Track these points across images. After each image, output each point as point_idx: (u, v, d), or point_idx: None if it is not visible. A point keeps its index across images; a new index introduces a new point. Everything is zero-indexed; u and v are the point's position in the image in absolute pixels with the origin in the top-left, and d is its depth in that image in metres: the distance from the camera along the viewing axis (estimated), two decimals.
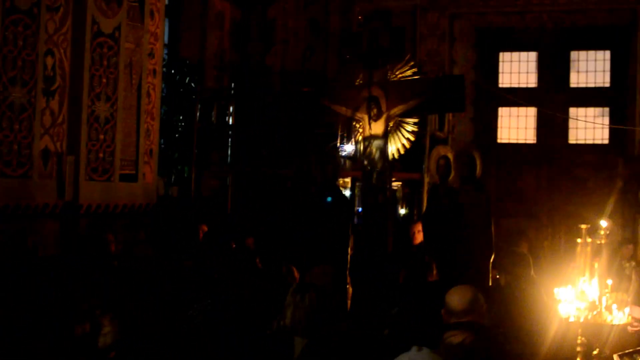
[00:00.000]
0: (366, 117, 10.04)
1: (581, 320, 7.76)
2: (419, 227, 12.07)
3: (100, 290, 8.17)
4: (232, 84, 19.27)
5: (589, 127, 21.24)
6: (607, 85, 21.29)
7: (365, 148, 10.12)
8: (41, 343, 6.44)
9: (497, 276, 10.60)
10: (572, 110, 21.39)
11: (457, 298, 5.81)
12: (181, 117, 17.72)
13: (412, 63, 10.20)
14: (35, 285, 8.61)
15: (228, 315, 7.57)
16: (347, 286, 10.50)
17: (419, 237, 11.94)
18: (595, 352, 7.50)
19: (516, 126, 21.93)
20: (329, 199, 11.05)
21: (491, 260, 11.34)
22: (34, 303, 7.63)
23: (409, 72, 10.07)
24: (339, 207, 11.13)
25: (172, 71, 17.62)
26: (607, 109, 21.28)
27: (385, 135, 9.99)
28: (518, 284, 8.70)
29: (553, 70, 21.56)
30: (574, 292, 8.14)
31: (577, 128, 21.39)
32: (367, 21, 10.53)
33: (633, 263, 12.75)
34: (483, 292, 6.23)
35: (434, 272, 9.74)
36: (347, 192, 15.96)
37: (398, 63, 10.11)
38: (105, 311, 5.30)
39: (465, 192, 11.94)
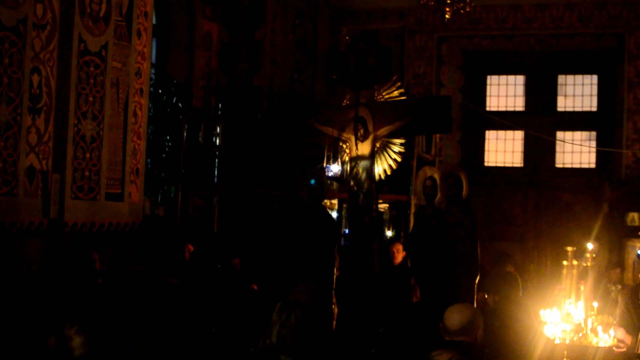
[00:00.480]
0: (353, 138, 10.02)
1: (567, 342, 7.75)
2: (398, 247, 12.09)
3: (79, 306, 8.14)
4: (220, 105, 19.25)
5: (575, 150, 21.30)
6: (594, 109, 21.37)
7: (351, 169, 10.10)
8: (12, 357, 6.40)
9: (486, 296, 10.58)
10: (559, 134, 21.46)
11: (454, 317, 5.79)
12: (168, 137, 17.68)
13: (399, 84, 10.20)
14: (17, 300, 8.58)
15: (213, 333, 7.55)
16: (333, 306, 10.48)
17: (399, 257, 11.95)
18: None
19: (503, 149, 21.97)
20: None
21: (476, 281, 11.33)
22: (11, 317, 7.60)
23: (395, 93, 10.06)
24: (325, 227, 11.12)
25: (160, 91, 17.58)
26: (594, 133, 21.36)
27: (372, 156, 9.97)
28: (506, 304, 8.68)
29: (540, 93, 21.62)
30: (559, 314, 8.13)
31: (564, 152, 21.45)
32: (355, 41, 10.53)
33: (619, 286, 12.77)
34: None
35: (417, 293, 9.74)
36: (334, 214, 15.95)
37: (385, 84, 10.11)
38: (73, 324, 5.24)
39: (452, 213, 11.95)
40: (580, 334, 7.97)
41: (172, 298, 9.30)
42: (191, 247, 13.41)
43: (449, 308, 5.90)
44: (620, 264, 16.04)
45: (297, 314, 5.60)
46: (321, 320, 5.87)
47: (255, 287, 11.24)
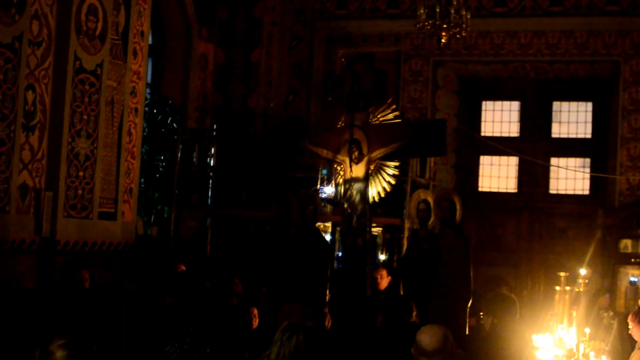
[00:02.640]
0: (347, 160, 10.00)
1: None
2: (382, 273, 12.03)
3: (65, 322, 8.10)
4: (214, 126, 19.25)
5: (569, 177, 21.33)
6: (589, 136, 21.40)
7: (345, 191, 10.07)
8: None
9: (481, 317, 10.54)
10: (554, 160, 21.47)
11: (428, 337, 5.75)
12: (162, 157, 17.66)
13: (394, 106, 10.17)
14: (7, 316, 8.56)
15: (206, 354, 7.50)
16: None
17: (383, 283, 11.89)
18: None
19: (497, 175, 21.97)
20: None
21: (469, 304, 11.31)
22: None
23: (390, 116, 10.04)
24: (319, 250, 11.10)
25: (154, 110, 17.58)
26: (588, 160, 21.38)
27: (366, 178, 9.94)
28: (503, 327, 8.63)
29: (535, 120, 21.65)
30: (552, 339, 8.11)
31: (558, 178, 21.47)
32: (350, 64, 10.52)
33: (611, 313, 12.74)
34: (460, 335, 6.18)
35: (414, 313, 9.67)
36: (327, 237, 15.92)
37: (380, 106, 10.09)
38: (57, 337, 5.20)
39: (445, 236, 11.96)
40: None
41: (167, 317, 9.28)
42: (183, 267, 13.35)
43: (420, 330, 5.87)
44: (610, 290, 16.04)
45: (299, 337, 5.57)
46: (322, 346, 5.81)
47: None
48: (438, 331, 5.81)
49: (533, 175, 21.42)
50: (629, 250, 17.91)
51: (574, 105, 21.66)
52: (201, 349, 7.46)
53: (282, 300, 10.31)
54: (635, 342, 9.36)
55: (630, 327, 9.62)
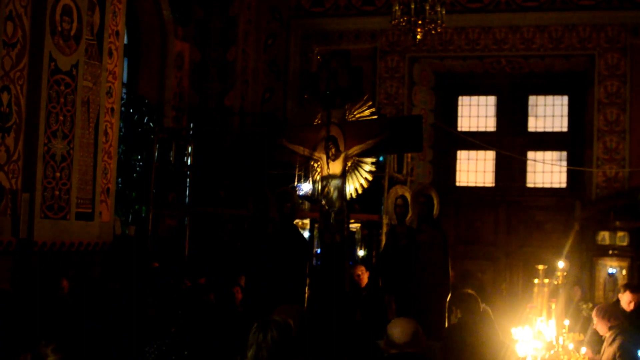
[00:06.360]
0: (324, 157, 9.99)
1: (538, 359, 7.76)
2: (361, 269, 12.08)
3: (48, 325, 8.09)
4: (191, 124, 19.24)
5: (546, 170, 21.39)
6: (565, 129, 21.46)
7: (323, 188, 10.06)
8: None
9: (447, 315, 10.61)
10: (530, 154, 21.54)
11: (401, 330, 5.80)
12: (139, 157, 17.63)
13: (370, 103, 10.17)
14: None
15: (185, 355, 7.49)
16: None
17: (364, 279, 11.95)
18: None
19: (475, 169, 22.02)
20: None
21: (447, 299, 11.34)
22: None
23: (367, 112, 10.04)
24: (297, 247, 11.10)
25: (131, 110, 17.55)
26: (564, 153, 21.44)
27: (343, 175, 9.93)
28: (469, 319, 8.66)
29: (511, 114, 21.71)
30: (531, 332, 8.15)
31: (535, 172, 21.53)
32: (326, 61, 10.52)
33: (590, 304, 12.83)
34: (439, 329, 6.20)
35: (393, 308, 9.73)
36: (305, 233, 15.93)
37: (356, 103, 10.09)
38: (49, 341, 5.20)
39: (423, 231, 11.98)
40: (552, 352, 7.99)
41: (148, 317, 9.27)
42: (156, 265, 13.38)
43: (391, 323, 5.91)
44: (581, 282, 16.14)
45: (274, 334, 5.57)
46: (298, 340, 5.83)
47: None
48: (409, 324, 5.86)
49: (510, 169, 21.48)
50: (607, 242, 18.03)
51: (549, 99, 21.73)
52: (180, 350, 7.45)
53: (261, 298, 10.32)
54: None
55: (594, 322, 9.70)
